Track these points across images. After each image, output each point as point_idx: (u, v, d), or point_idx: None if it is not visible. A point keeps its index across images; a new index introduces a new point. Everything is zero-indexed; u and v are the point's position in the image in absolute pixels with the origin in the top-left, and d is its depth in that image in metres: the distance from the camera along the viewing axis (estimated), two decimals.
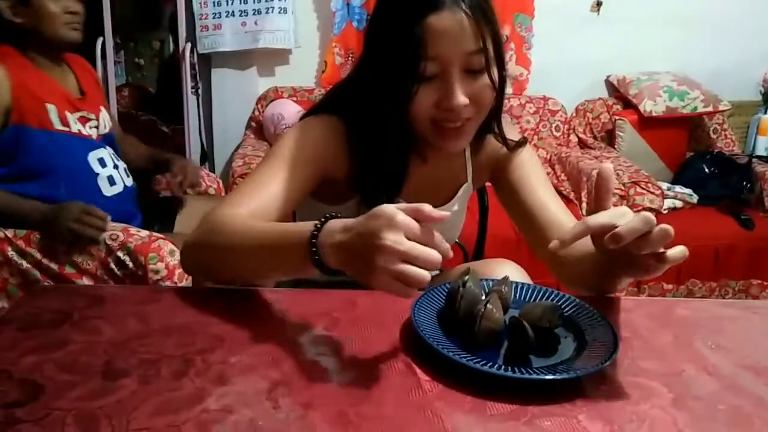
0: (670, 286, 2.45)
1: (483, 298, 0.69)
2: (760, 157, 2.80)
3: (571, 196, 2.55)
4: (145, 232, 1.47)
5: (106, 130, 1.69)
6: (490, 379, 0.59)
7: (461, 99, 0.81)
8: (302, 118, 0.95)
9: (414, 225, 0.59)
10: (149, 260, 1.41)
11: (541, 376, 0.60)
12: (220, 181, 2.13)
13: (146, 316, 0.69)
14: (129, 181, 1.70)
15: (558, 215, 0.93)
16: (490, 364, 0.60)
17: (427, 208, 0.60)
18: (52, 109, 1.52)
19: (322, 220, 0.65)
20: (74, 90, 1.64)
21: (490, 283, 0.78)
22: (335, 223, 0.64)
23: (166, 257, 1.42)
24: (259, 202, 0.81)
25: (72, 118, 1.57)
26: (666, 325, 0.75)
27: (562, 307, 0.72)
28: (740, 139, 3.04)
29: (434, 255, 0.58)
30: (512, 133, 0.99)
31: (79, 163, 1.57)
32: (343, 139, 0.90)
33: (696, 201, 2.61)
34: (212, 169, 2.77)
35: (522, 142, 0.99)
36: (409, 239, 0.58)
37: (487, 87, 0.83)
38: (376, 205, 0.88)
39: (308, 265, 0.65)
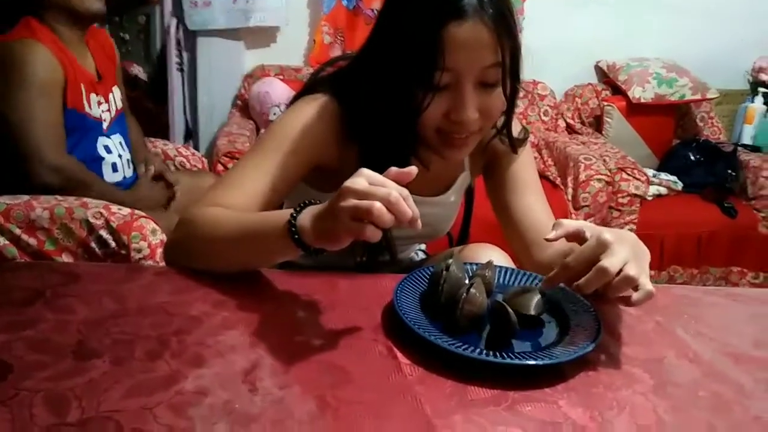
0: (652, 273, 2.46)
1: (466, 282, 0.68)
2: (745, 146, 2.82)
3: (558, 181, 2.55)
4: (126, 210, 1.44)
5: (114, 112, 1.67)
6: (471, 363, 0.58)
7: (472, 113, 0.78)
8: (296, 97, 0.91)
9: (378, 176, 0.60)
10: (132, 239, 1.39)
11: (523, 361, 0.59)
12: (205, 161, 2.10)
13: (122, 296, 0.67)
14: (129, 172, 1.68)
15: (542, 219, 0.93)
16: (472, 348, 0.60)
17: (392, 168, 0.61)
18: (83, 89, 1.50)
19: (302, 204, 0.66)
20: (93, 72, 1.60)
21: (474, 267, 0.77)
22: (314, 205, 0.65)
23: (148, 236, 1.40)
24: (241, 199, 0.79)
25: (94, 100, 1.55)
26: (648, 311, 0.75)
27: (546, 292, 0.72)
28: (727, 127, 3.05)
29: (392, 192, 0.57)
30: (514, 124, 0.96)
31: (92, 146, 1.56)
32: (337, 125, 0.86)
33: (681, 188, 2.62)
34: (197, 147, 2.72)
35: (524, 138, 0.97)
36: None
37: (499, 100, 0.80)
38: None
39: (289, 246, 0.65)
